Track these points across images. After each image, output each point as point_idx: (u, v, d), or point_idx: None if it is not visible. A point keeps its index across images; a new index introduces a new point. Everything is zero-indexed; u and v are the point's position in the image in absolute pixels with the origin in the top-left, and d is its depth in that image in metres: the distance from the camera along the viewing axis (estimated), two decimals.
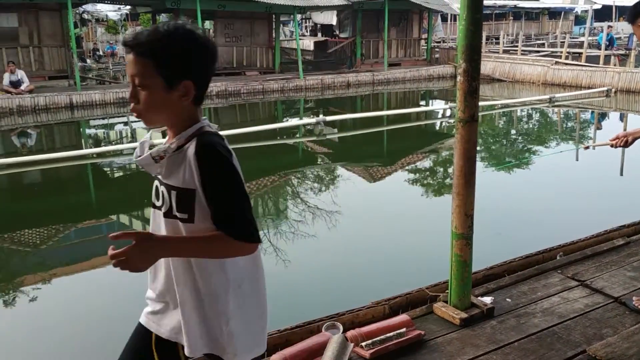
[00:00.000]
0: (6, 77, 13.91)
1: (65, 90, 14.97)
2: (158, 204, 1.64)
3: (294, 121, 13.97)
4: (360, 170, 9.63)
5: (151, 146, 1.66)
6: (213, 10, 18.23)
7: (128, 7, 23.47)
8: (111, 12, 28.03)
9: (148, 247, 1.47)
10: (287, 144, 12.09)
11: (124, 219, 7.33)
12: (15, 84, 13.93)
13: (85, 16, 27.76)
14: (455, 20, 32.06)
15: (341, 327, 2.91)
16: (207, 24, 21.12)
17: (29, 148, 11.62)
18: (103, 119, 14.52)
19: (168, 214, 1.60)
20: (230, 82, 17.10)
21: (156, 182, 1.66)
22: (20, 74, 14.15)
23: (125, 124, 14.38)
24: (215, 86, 16.53)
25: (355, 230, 6.42)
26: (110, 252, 1.43)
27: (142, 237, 1.46)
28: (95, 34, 31.10)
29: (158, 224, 1.63)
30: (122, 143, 12.05)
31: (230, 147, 1.58)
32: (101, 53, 26.98)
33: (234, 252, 1.57)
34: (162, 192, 1.62)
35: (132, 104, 1.55)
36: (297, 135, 12.45)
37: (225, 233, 1.51)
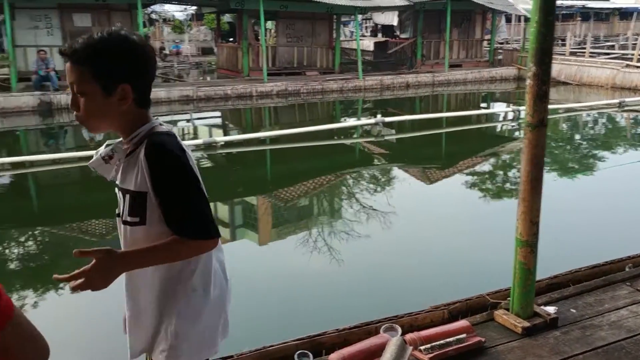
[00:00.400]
0: None
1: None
2: (117, 211, 1.64)
3: (351, 121, 13.98)
4: (417, 172, 9.53)
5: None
6: (275, 11, 18.48)
7: (194, 7, 24.11)
8: (178, 12, 28.87)
9: (108, 266, 1.44)
10: (344, 144, 12.12)
11: None
12: None
13: (154, 16, 28.75)
14: (520, 21, 31.22)
15: (400, 330, 2.90)
16: (269, 24, 21.42)
17: (98, 142, 12.14)
18: (166, 115, 14.99)
19: (125, 221, 1.60)
20: (290, 82, 17.29)
21: (116, 188, 1.65)
22: None
23: (188, 120, 14.79)
24: (276, 86, 16.76)
25: (411, 232, 6.37)
26: (65, 276, 1.42)
27: (101, 255, 1.44)
28: (162, 34, 32.11)
29: (121, 233, 1.63)
30: (185, 140, 12.38)
31: (186, 146, 1.57)
32: (167, 52, 27.85)
33: (195, 252, 1.56)
34: (119, 197, 1.62)
35: (74, 112, 1.54)
36: (355, 136, 12.46)
37: (179, 235, 1.50)
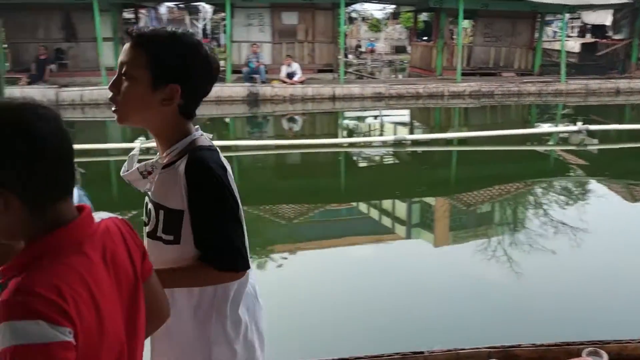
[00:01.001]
0: (283, 69, 15.79)
1: (330, 82, 16.38)
2: (145, 221, 1.57)
3: (548, 127, 13.14)
4: (620, 188, 8.67)
5: (139, 160, 1.58)
6: (475, 10, 18.02)
7: (392, 6, 24.53)
8: (376, 11, 29.65)
9: None
10: (537, 151, 11.44)
11: (362, 206, 7.84)
12: (290, 75, 15.72)
13: (354, 15, 29.85)
14: None
15: (606, 356, 2.69)
16: (466, 23, 20.95)
17: (295, 132, 13.09)
18: (358, 111, 15.55)
19: (152, 234, 1.52)
20: (484, 83, 16.76)
21: (146, 199, 1.58)
22: (295, 66, 15.91)
23: (376, 117, 15.18)
24: (469, 86, 16.39)
25: (608, 253, 5.85)
26: None
27: None
28: (359, 32, 33.21)
29: (148, 247, 1.50)
30: (373, 135, 12.77)
31: (227, 161, 1.50)
32: (363, 49, 28.75)
33: (218, 281, 1.49)
34: (150, 209, 1.53)
35: (111, 94, 1.46)
36: (550, 143, 11.70)
37: (206, 261, 1.43)
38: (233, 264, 1.46)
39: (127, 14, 20.01)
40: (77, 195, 1.74)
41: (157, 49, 1.41)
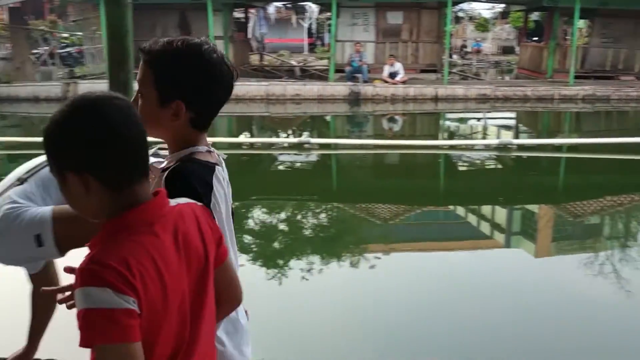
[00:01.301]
0: (386, 69, 15.74)
1: (433, 83, 16.12)
2: None
3: None
4: None
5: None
6: (593, 9, 16.95)
7: (502, 5, 23.67)
8: (485, 10, 28.73)
9: None
10: None
11: (460, 210, 7.65)
12: (393, 75, 15.65)
13: (460, 14, 29.14)
14: None
15: None
16: (581, 23, 19.76)
17: (394, 133, 13.02)
18: (461, 113, 15.17)
19: None
20: (599, 86, 15.73)
21: None
22: (398, 66, 15.82)
23: (479, 119, 14.73)
24: (582, 89, 15.48)
25: None
26: (54, 289, 1.46)
27: None
28: (465, 31, 32.35)
29: None
30: (475, 139, 12.41)
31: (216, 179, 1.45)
32: (468, 49, 27.99)
33: None
34: None
35: None
36: None
37: None
38: None
39: (237, 14, 20.83)
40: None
41: (161, 67, 1.43)
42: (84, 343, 1.02)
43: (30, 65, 16.48)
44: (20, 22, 17.56)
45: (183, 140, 1.48)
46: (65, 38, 20.67)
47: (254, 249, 6.14)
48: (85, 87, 13.99)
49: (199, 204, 1.30)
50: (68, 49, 19.03)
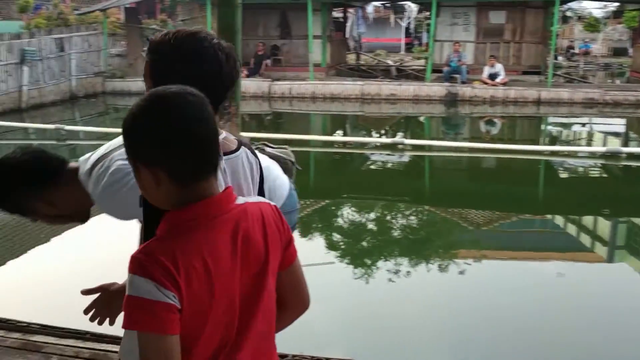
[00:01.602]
0: (486, 70, 15.27)
1: (535, 85, 15.43)
2: None
3: None
4: None
5: None
6: None
7: (615, 4, 22.20)
8: (596, 9, 27.07)
9: (107, 300, 1.57)
10: None
11: (559, 220, 7.28)
12: (492, 77, 15.15)
13: (568, 14, 27.65)
14: None
15: None
16: None
17: (491, 136, 12.61)
18: (565, 117, 14.42)
19: None
20: None
21: None
22: (499, 67, 15.29)
23: (584, 125, 13.92)
24: None
25: None
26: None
27: (102, 291, 1.58)
28: (573, 32, 30.66)
29: None
30: (580, 145, 11.76)
31: None
32: (575, 51, 26.51)
33: None
34: None
35: None
36: None
37: None
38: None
39: (336, 13, 21.03)
40: (289, 188, 1.90)
41: (156, 58, 1.41)
42: (124, 325, 1.08)
43: (142, 62, 17.49)
44: (135, 22, 18.78)
45: None
46: None
47: (342, 247, 6.20)
48: None
49: (272, 203, 1.30)
50: None
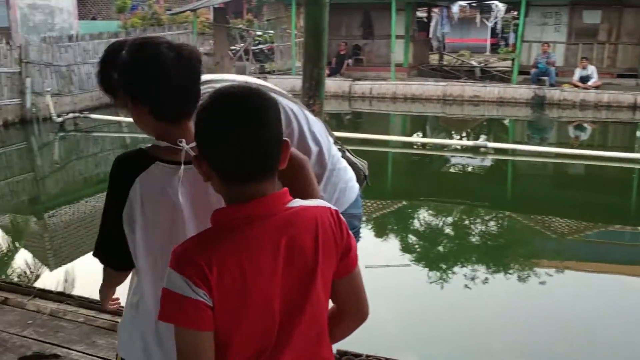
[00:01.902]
0: (577, 72, 14.55)
1: (631, 89, 14.52)
2: None
3: None
4: None
5: None
6: None
7: None
8: None
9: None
10: None
11: None
12: (584, 79, 14.42)
13: None
14: None
15: None
16: None
17: (580, 142, 12.01)
18: None
19: None
20: None
21: None
22: (591, 69, 14.52)
23: None
24: None
25: None
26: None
27: None
28: None
29: None
30: None
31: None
32: None
33: (111, 277, 1.56)
34: None
35: None
36: None
37: None
38: (96, 255, 1.51)
39: (420, 13, 20.75)
40: (357, 194, 1.95)
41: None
42: (159, 317, 1.13)
43: (228, 61, 18.15)
44: (223, 21, 19.41)
45: (157, 135, 1.43)
46: (259, 36, 22.32)
47: (418, 249, 6.13)
48: (273, 82, 15.03)
49: (333, 207, 1.24)
50: (260, 46, 20.55)
